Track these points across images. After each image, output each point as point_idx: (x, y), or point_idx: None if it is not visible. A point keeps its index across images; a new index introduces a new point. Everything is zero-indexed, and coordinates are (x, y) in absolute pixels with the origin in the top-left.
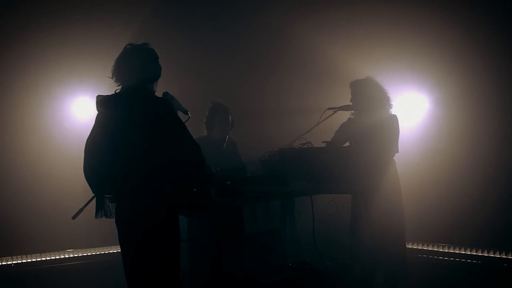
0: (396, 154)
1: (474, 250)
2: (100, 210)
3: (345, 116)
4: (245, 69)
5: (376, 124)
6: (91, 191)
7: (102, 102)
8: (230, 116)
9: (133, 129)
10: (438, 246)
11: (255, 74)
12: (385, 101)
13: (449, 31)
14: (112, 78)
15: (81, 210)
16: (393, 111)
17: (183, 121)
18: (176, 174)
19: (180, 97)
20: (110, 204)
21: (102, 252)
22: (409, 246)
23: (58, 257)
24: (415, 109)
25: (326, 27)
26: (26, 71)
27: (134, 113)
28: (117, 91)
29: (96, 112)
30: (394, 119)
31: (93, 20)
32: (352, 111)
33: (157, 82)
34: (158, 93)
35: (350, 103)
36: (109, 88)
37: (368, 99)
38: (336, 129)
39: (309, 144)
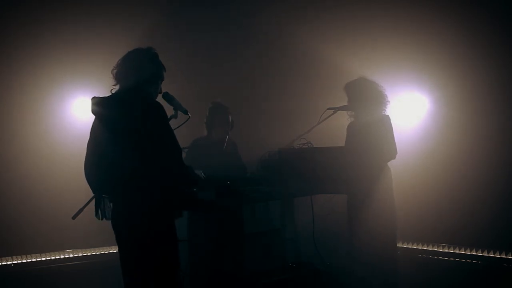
0: (394, 156)
1: (474, 250)
2: (99, 210)
3: (344, 116)
4: (245, 70)
5: (369, 125)
6: (91, 191)
7: (97, 103)
8: (230, 116)
9: (124, 131)
10: (438, 246)
11: (255, 75)
12: (380, 98)
13: (449, 31)
14: (112, 77)
15: (81, 210)
16: (392, 109)
17: (184, 120)
18: (165, 176)
19: (180, 98)
20: (110, 204)
21: (102, 252)
22: (409, 246)
23: (58, 257)
24: (415, 109)
25: (326, 28)
26: (27, 71)
27: (125, 115)
28: (112, 91)
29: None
30: (386, 119)
31: (94, 20)
32: (351, 112)
33: (160, 85)
34: None
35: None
36: (109, 88)
37: (363, 99)
38: (346, 135)
39: (309, 144)
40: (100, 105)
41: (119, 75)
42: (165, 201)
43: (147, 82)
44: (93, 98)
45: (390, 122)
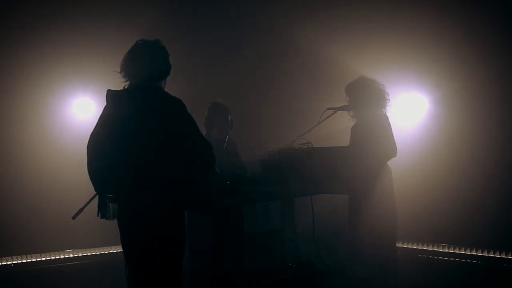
0: (395, 153)
1: (474, 250)
2: (102, 210)
3: (345, 116)
4: (245, 70)
5: (369, 124)
6: (92, 190)
7: (113, 97)
8: (230, 116)
9: (146, 127)
10: (438, 246)
11: (255, 75)
12: (381, 97)
13: (449, 31)
14: (120, 72)
15: (81, 210)
16: (392, 109)
17: None
18: (186, 173)
19: (179, 97)
20: (110, 204)
21: (102, 252)
22: (409, 246)
23: (58, 257)
24: (415, 109)
25: (327, 27)
26: (27, 71)
27: (148, 110)
28: (125, 87)
29: (100, 108)
30: (384, 118)
31: (93, 21)
32: (351, 112)
33: (166, 81)
34: None
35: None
36: (111, 87)
37: (364, 98)
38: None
39: (309, 144)
40: (117, 100)
41: (129, 70)
42: (179, 200)
43: (156, 78)
44: (108, 90)
45: (389, 120)
